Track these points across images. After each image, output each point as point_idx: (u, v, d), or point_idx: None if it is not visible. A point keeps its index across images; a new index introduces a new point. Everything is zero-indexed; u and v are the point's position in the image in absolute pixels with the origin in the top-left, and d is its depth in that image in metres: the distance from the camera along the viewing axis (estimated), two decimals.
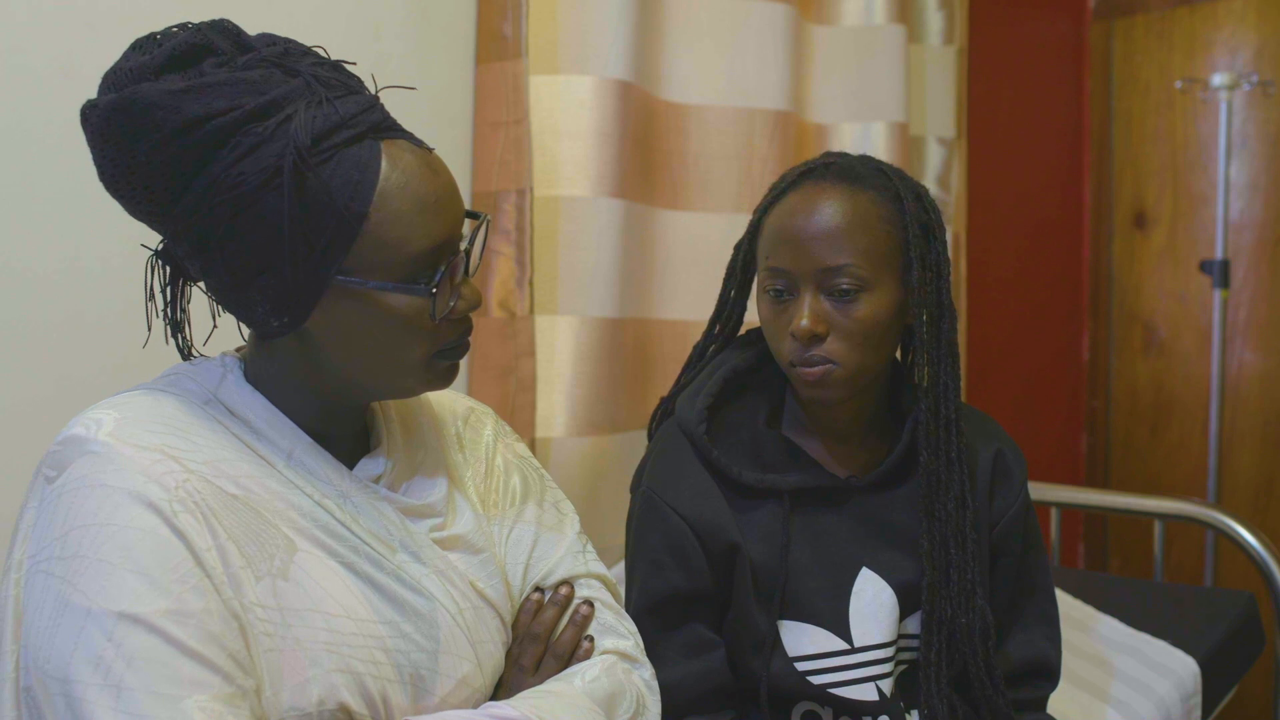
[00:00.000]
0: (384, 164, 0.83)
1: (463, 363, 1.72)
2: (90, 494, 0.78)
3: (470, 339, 0.93)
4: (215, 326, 0.97)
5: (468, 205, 1.75)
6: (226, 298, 0.86)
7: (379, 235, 0.82)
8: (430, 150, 0.88)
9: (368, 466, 0.93)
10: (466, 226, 0.91)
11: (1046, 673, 1.25)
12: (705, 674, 1.15)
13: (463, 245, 0.89)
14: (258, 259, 0.82)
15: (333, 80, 0.84)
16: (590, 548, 1.07)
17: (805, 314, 1.10)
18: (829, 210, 1.11)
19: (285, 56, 0.83)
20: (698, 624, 1.16)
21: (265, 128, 0.79)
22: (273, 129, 0.79)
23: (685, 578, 1.15)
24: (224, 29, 0.84)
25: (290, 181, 0.79)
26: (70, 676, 0.73)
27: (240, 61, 0.82)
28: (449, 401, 1.08)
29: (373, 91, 0.89)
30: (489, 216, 0.93)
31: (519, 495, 1.05)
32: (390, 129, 0.86)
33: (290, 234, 0.80)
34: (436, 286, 0.85)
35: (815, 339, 1.10)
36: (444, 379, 0.92)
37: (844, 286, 1.10)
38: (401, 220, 0.83)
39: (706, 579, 1.16)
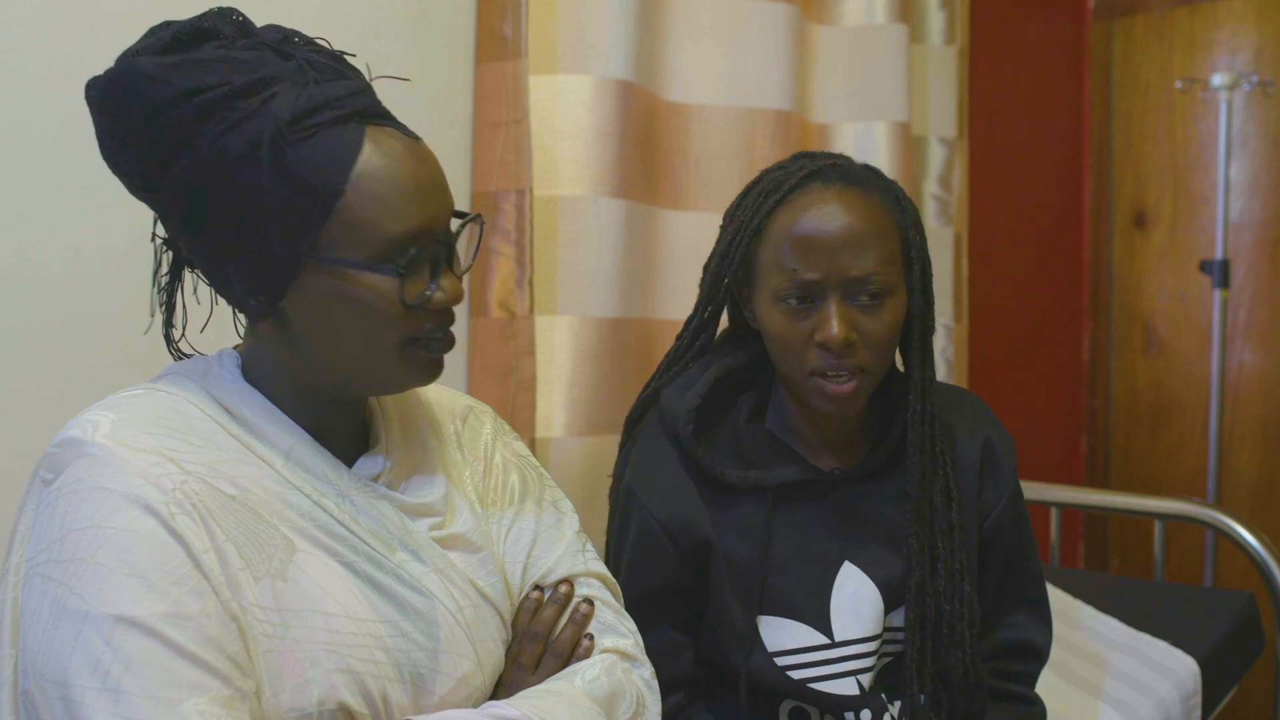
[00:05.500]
0: (366, 146, 0.83)
1: (463, 362, 1.75)
2: (88, 497, 0.78)
3: (453, 334, 0.91)
4: (211, 314, 0.97)
5: (467, 205, 1.75)
6: (210, 275, 0.88)
7: (352, 215, 0.82)
8: (418, 140, 0.88)
9: (366, 465, 0.93)
10: (464, 226, 0.91)
11: (1032, 653, 1.26)
12: (673, 675, 1.16)
13: (447, 238, 0.88)
14: (236, 233, 0.83)
15: (325, 65, 0.85)
16: (590, 546, 1.07)
17: (836, 323, 1.08)
18: (850, 216, 1.10)
19: (283, 42, 0.85)
20: (668, 626, 1.17)
21: (251, 104, 0.81)
22: (258, 105, 0.81)
23: (656, 575, 1.17)
24: (230, 17, 0.86)
25: (268, 155, 0.80)
26: (68, 680, 0.73)
27: (239, 44, 0.84)
28: (448, 400, 1.08)
29: (369, 83, 0.90)
30: (482, 217, 0.93)
31: (518, 493, 1.04)
32: (379, 115, 0.86)
33: (266, 208, 0.81)
34: (405, 269, 0.84)
35: (849, 347, 1.09)
36: (426, 372, 0.90)
37: (872, 293, 1.09)
38: (377, 201, 0.83)
39: (678, 576, 1.17)
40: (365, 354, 0.87)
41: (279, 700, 0.80)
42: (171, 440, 0.82)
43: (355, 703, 0.83)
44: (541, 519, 1.04)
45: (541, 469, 1.10)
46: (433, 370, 0.91)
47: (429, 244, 0.86)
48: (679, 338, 1.27)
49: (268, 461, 0.87)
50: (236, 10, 0.87)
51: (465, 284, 1.74)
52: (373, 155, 0.83)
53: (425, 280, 0.87)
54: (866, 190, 1.12)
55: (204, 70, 0.81)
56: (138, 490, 0.78)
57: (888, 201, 1.13)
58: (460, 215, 0.91)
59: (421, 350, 0.89)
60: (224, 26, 0.85)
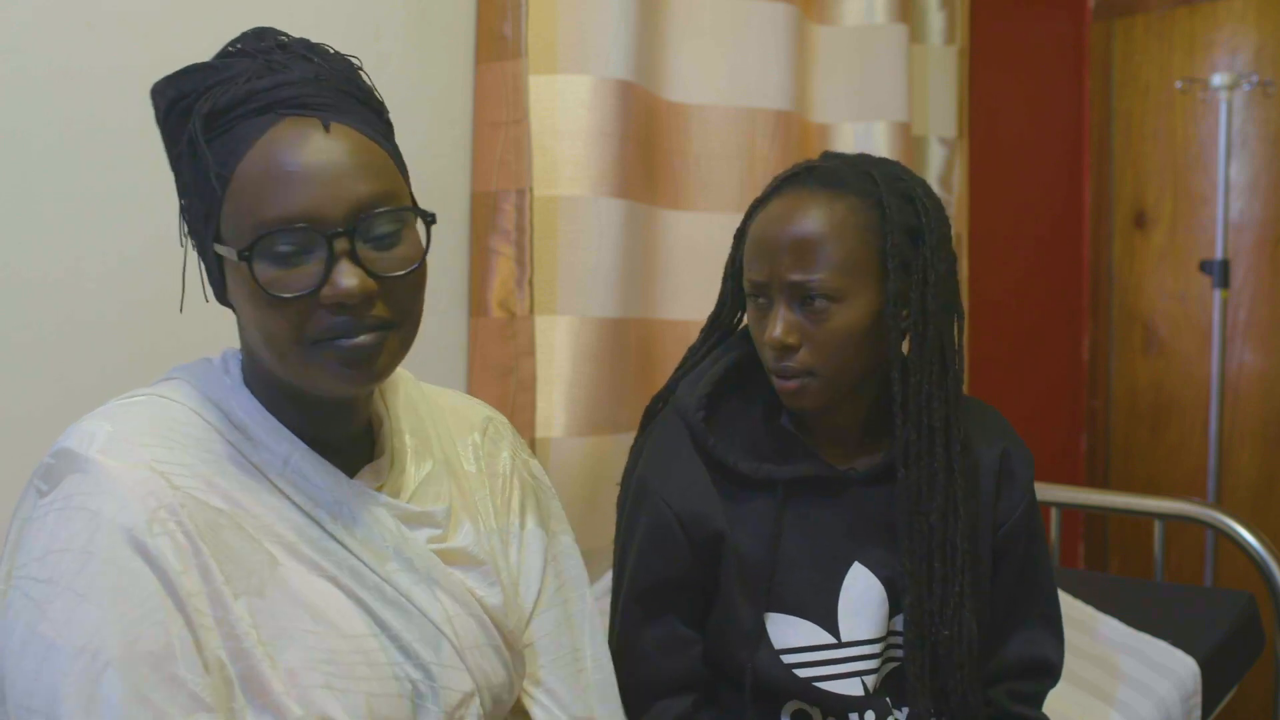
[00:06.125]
0: (265, 135, 0.82)
1: (463, 362, 1.75)
2: (74, 517, 0.78)
3: (370, 337, 0.83)
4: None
5: (466, 206, 1.75)
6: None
7: (236, 203, 0.82)
8: (330, 128, 0.83)
9: (369, 475, 0.92)
10: (367, 220, 0.84)
11: (1047, 670, 1.25)
12: (680, 671, 1.17)
13: (349, 228, 0.82)
14: (190, 225, 0.87)
15: (280, 62, 0.85)
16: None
17: (778, 325, 1.11)
18: (802, 221, 1.10)
19: (274, 50, 0.86)
20: (676, 618, 1.18)
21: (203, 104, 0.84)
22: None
23: (667, 567, 1.17)
24: (262, 35, 0.89)
25: (186, 150, 0.84)
26: (32, 706, 0.74)
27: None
28: (465, 409, 1.07)
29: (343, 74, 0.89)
30: (420, 213, 0.86)
31: (535, 520, 1.05)
32: (305, 105, 0.83)
33: (194, 199, 0.85)
34: (253, 255, 0.80)
35: (788, 349, 1.11)
36: (337, 376, 0.83)
37: (814, 299, 1.10)
38: (253, 188, 0.81)
39: (689, 569, 1.17)
40: (271, 350, 0.84)
41: (259, 718, 0.79)
42: (165, 452, 0.82)
43: (338, 719, 0.82)
44: (551, 547, 1.06)
45: (551, 488, 1.10)
46: (345, 377, 0.83)
47: (312, 233, 0.80)
48: (700, 332, 1.29)
49: (263, 471, 0.86)
50: (273, 30, 0.88)
51: (461, 284, 1.75)
52: (265, 144, 0.81)
53: (311, 271, 0.81)
54: (836, 193, 1.12)
55: (189, 79, 0.85)
56: (122, 514, 0.78)
57: (864, 206, 1.11)
58: (417, 211, 0.87)
59: (324, 350, 0.82)
60: (250, 43, 0.88)
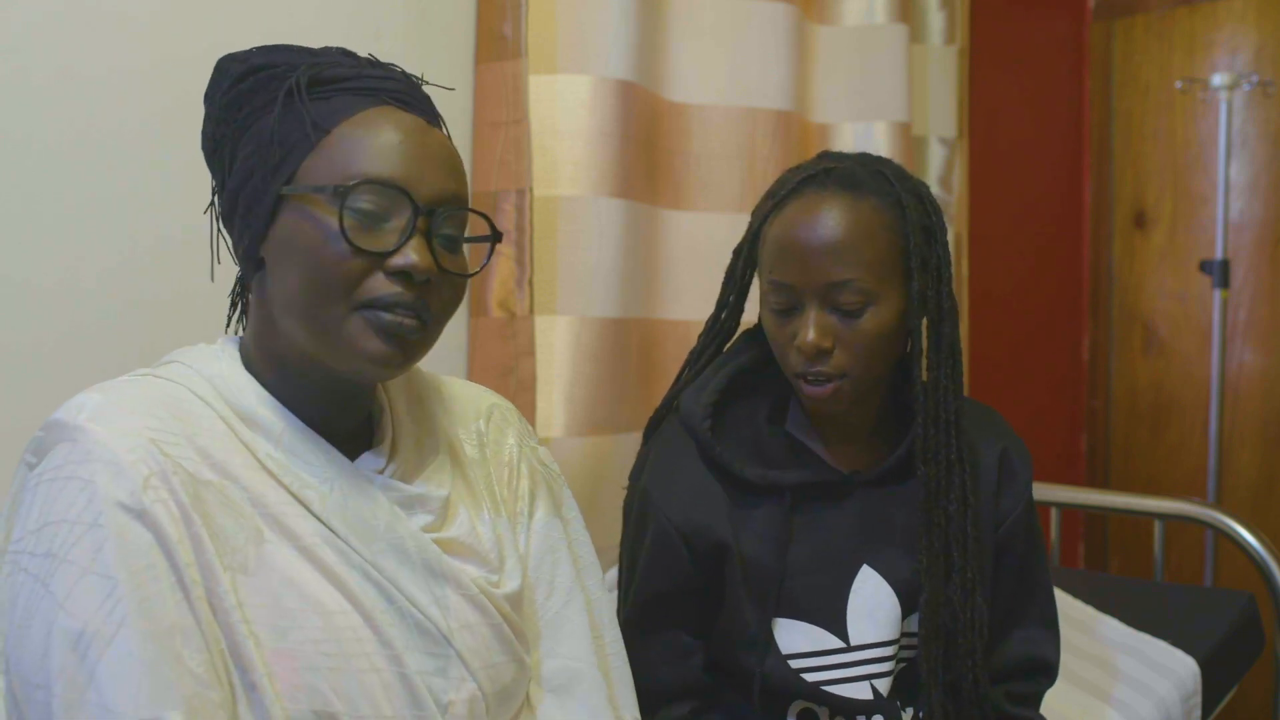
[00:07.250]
0: (371, 109, 0.87)
1: (463, 362, 1.75)
2: (65, 487, 0.77)
3: (418, 320, 0.85)
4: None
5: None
6: (229, 231, 0.92)
7: (331, 151, 0.85)
8: (437, 129, 0.90)
9: (367, 462, 0.91)
10: (445, 215, 0.88)
11: (1045, 670, 1.25)
12: (682, 680, 1.17)
13: (431, 212, 0.86)
14: (244, 176, 0.87)
15: (376, 65, 0.91)
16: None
17: (811, 329, 1.10)
18: (832, 222, 1.10)
19: (371, 59, 0.92)
20: (678, 629, 1.18)
21: (293, 71, 0.88)
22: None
23: (669, 580, 1.17)
24: (345, 50, 0.93)
25: (282, 100, 0.86)
26: (37, 681, 0.74)
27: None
28: (471, 397, 1.07)
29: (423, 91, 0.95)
30: (499, 234, 0.93)
31: (545, 510, 1.05)
32: (407, 104, 0.89)
33: (268, 145, 0.86)
34: (348, 197, 0.82)
35: (822, 353, 1.10)
36: (369, 343, 0.84)
37: (849, 301, 1.10)
38: (354, 143, 0.85)
39: (692, 580, 1.17)
40: (308, 307, 0.83)
41: (247, 696, 0.79)
42: (156, 421, 0.82)
43: (317, 702, 0.82)
44: (565, 533, 1.06)
45: (560, 475, 1.10)
46: (374, 351, 0.84)
47: (404, 199, 0.84)
48: (699, 337, 1.28)
49: (252, 449, 0.85)
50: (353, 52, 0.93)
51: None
52: (374, 113, 0.86)
53: (385, 236, 0.84)
54: (860, 194, 1.12)
55: (278, 53, 0.89)
56: (114, 482, 0.77)
57: (886, 204, 1.12)
58: (477, 213, 0.92)
59: (370, 317, 0.83)
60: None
